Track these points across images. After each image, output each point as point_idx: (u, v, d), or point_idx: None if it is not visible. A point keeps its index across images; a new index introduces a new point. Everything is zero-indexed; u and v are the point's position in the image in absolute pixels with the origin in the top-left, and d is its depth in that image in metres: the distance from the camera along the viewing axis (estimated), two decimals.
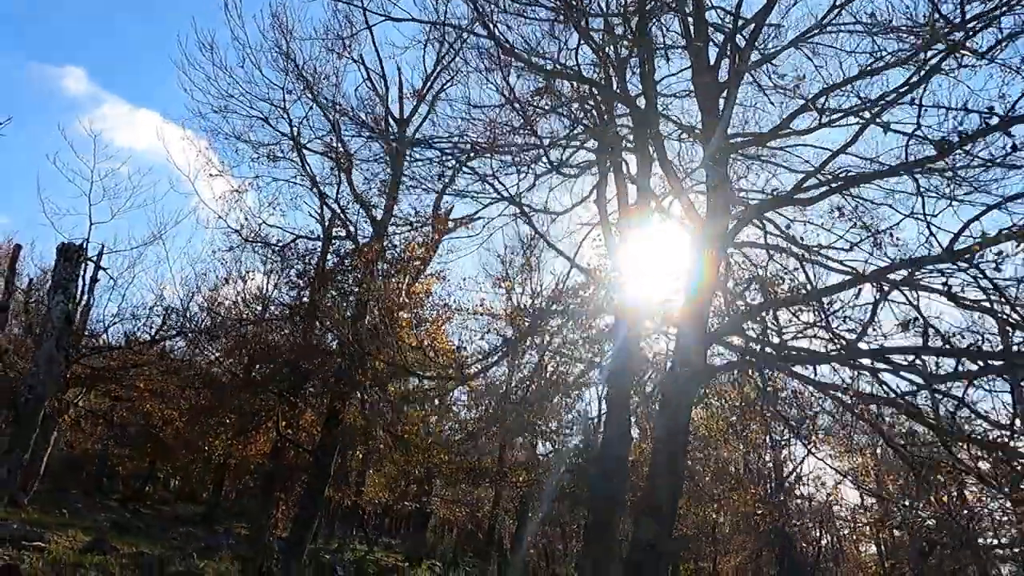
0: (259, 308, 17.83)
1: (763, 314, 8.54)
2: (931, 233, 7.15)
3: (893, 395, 8.02)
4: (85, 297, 13.19)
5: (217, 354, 16.45)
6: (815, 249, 8.85)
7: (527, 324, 9.20)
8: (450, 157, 11.00)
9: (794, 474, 29.64)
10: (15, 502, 18.19)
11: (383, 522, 39.00)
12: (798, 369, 8.78)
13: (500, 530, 28.83)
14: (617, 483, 9.34)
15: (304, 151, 15.75)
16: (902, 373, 7.16)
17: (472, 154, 9.98)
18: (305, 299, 16.26)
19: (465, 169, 11.09)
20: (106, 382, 15.69)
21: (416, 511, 29.62)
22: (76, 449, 38.91)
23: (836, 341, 8.21)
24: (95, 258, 12.69)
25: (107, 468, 38.81)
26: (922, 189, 7.50)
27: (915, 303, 7.52)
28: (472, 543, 31.07)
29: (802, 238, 9.02)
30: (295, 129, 15.65)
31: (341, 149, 14.95)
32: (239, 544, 19.04)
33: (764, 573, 31.44)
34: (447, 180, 11.52)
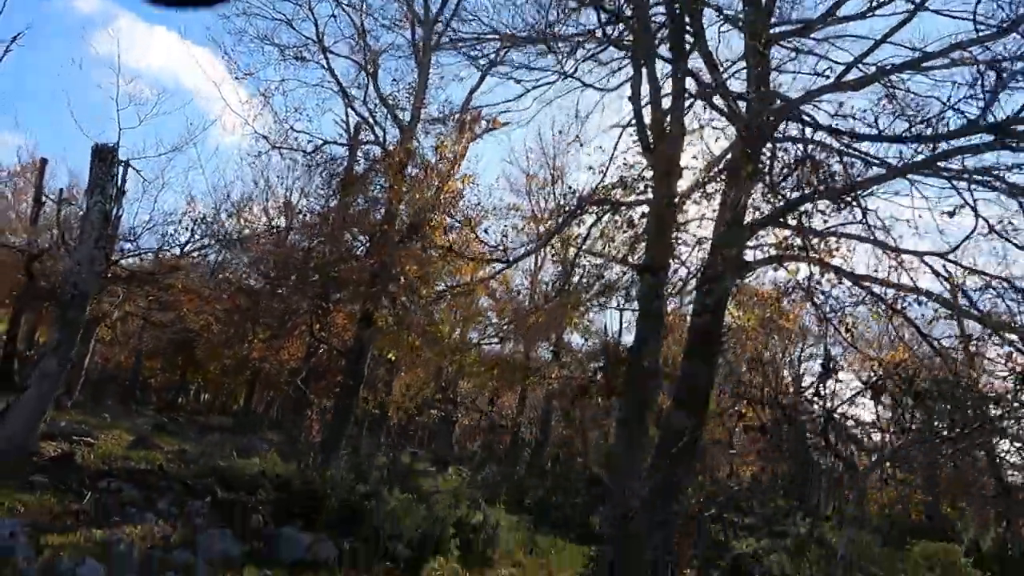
0: (287, 216, 17.96)
1: (802, 207, 8.46)
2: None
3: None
4: (118, 201, 13.27)
5: (247, 261, 16.62)
6: (856, 142, 8.69)
7: (560, 220, 9.17)
8: (480, 56, 10.79)
9: (812, 389, 29.91)
10: (61, 405, 18.92)
11: (408, 431, 40.06)
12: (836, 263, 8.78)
13: (523, 436, 29.58)
14: (650, 383, 9.51)
15: (329, 54, 15.51)
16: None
17: (505, 45, 9.74)
18: (333, 205, 16.28)
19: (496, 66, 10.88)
20: (144, 283, 15.98)
21: (441, 419, 30.47)
22: (110, 363, 40.03)
23: (873, 234, 8.17)
24: (126, 161, 12.73)
25: (140, 382, 39.97)
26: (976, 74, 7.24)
27: (961, 191, 7.41)
28: (496, 449, 31.94)
29: (844, 131, 8.83)
30: (320, 31, 15.39)
31: (367, 49, 14.68)
32: (274, 446, 19.75)
33: (780, 482, 32.14)
34: (485, 67, 11.40)
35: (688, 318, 10.49)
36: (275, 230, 17.66)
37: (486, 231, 11.09)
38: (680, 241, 9.34)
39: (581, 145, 11.75)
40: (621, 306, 11.29)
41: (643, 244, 9.65)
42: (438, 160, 12.60)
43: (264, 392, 39.71)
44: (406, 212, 13.20)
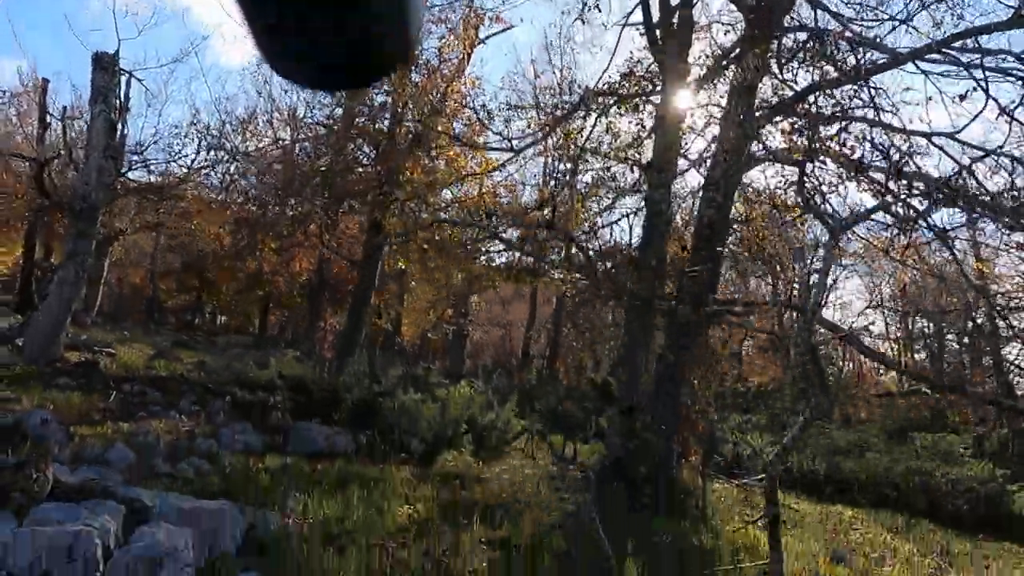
0: (292, 128, 17.77)
1: (810, 96, 8.33)
2: None
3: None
4: (122, 115, 13.16)
5: (254, 174, 16.58)
6: (865, 28, 8.47)
7: (566, 111, 9.05)
8: None
9: (821, 298, 30.00)
10: (80, 322, 19.33)
11: (420, 350, 40.73)
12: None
13: (533, 349, 30.06)
14: (656, 281, 9.59)
15: None
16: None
17: None
18: (338, 113, 16.12)
19: None
20: (154, 195, 16.03)
21: (454, 334, 30.92)
22: (124, 285, 40.57)
23: (880, 117, 8.04)
24: (129, 72, 12.55)
25: (156, 303, 40.56)
26: None
27: (973, 72, 7.26)
28: (506, 363, 32.52)
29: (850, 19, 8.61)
30: None
31: None
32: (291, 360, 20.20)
33: (788, 391, 32.65)
34: None
35: (693, 216, 10.48)
36: (280, 143, 17.53)
37: (492, 132, 10.95)
38: (686, 137, 9.25)
39: (584, 23, 11.39)
40: (628, 208, 11.23)
41: (649, 141, 9.58)
42: (441, 63, 12.38)
43: (278, 313, 40.27)
44: (411, 118, 13.05)
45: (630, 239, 15.44)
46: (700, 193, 9.42)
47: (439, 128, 11.90)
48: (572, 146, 9.39)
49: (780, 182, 8.64)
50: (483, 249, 13.76)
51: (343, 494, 6.30)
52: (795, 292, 11.15)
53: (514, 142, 8.82)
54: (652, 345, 9.97)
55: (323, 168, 15.23)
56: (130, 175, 15.36)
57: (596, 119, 9.25)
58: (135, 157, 14.68)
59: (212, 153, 15.66)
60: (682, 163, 10.25)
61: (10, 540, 3.54)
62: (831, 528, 8.27)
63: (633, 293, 9.71)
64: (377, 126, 14.10)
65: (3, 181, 19.61)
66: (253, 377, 11.81)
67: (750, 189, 9.77)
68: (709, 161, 9.23)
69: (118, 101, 12.00)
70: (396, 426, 9.74)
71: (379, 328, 23.79)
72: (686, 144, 9.75)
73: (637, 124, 9.28)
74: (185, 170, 15.61)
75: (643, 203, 10.60)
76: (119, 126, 12.04)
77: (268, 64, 0.64)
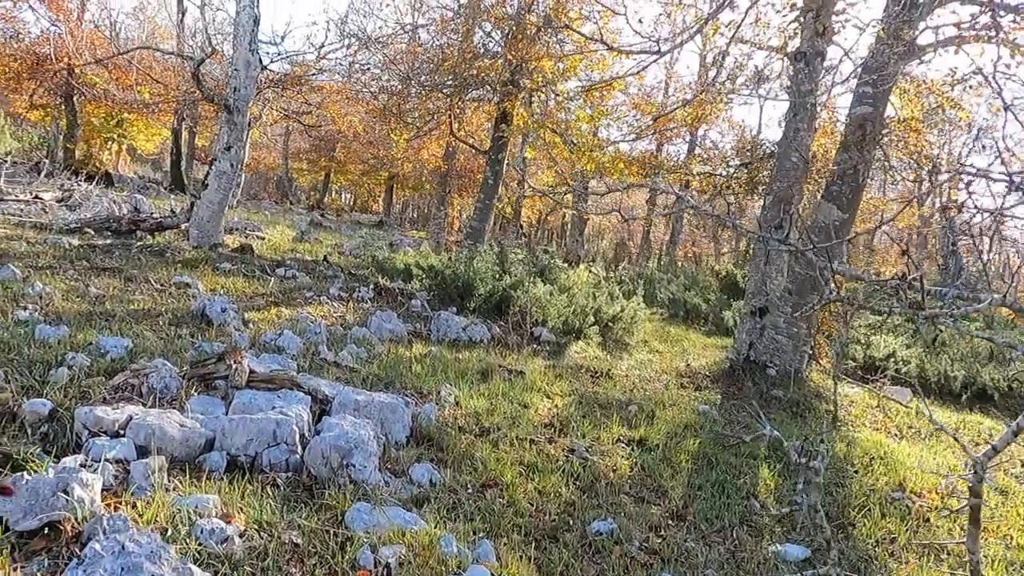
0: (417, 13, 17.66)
1: None
2: None
3: None
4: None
5: (381, 62, 16.75)
6: None
7: (716, 5, 8.50)
8: None
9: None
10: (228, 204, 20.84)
11: (537, 231, 41.18)
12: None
13: (653, 236, 29.78)
14: (796, 177, 9.22)
15: None
16: None
17: None
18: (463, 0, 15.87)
19: None
20: (293, 86, 16.66)
21: (573, 219, 31.04)
22: (261, 165, 42.77)
23: None
24: None
25: (289, 182, 42.67)
26: None
27: None
28: (625, 250, 32.49)
29: None
30: None
31: None
32: (416, 243, 21.09)
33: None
34: None
35: (841, 111, 9.84)
36: (406, 28, 17.50)
37: (629, 20, 10.47)
38: (841, 24, 8.56)
39: None
40: (767, 96, 10.65)
41: (799, 29, 8.94)
42: None
43: (401, 192, 41.54)
44: (541, 4, 12.68)
45: (756, 132, 14.73)
46: (853, 87, 8.81)
47: (571, 13, 11.51)
48: (713, 39, 8.90)
49: (948, 74, 7.93)
50: (609, 140, 13.58)
51: (487, 385, 6.78)
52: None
53: (662, 44, 8.43)
54: (787, 238, 9.73)
55: (449, 53, 15.21)
56: (271, 66, 15.91)
57: (746, 11, 8.67)
58: (273, 48, 15.13)
59: (343, 40, 15.87)
60: (835, 53, 9.53)
61: (227, 425, 4.12)
62: (968, 442, 8.13)
63: (771, 187, 9.42)
64: (505, 10, 13.80)
65: (154, 72, 20.75)
66: (391, 263, 12.49)
67: (913, 82, 9.02)
68: (868, 49, 8.55)
69: None
70: (527, 317, 10.17)
71: (500, 212, 24.18)
72: (840, 30, 9.02)
73: (789, 11, 8.64)
74: (321, 60, 15.99)
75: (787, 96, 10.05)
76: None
77: None
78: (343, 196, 58.01)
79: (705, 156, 11.59)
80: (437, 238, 17.76)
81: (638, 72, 10.36)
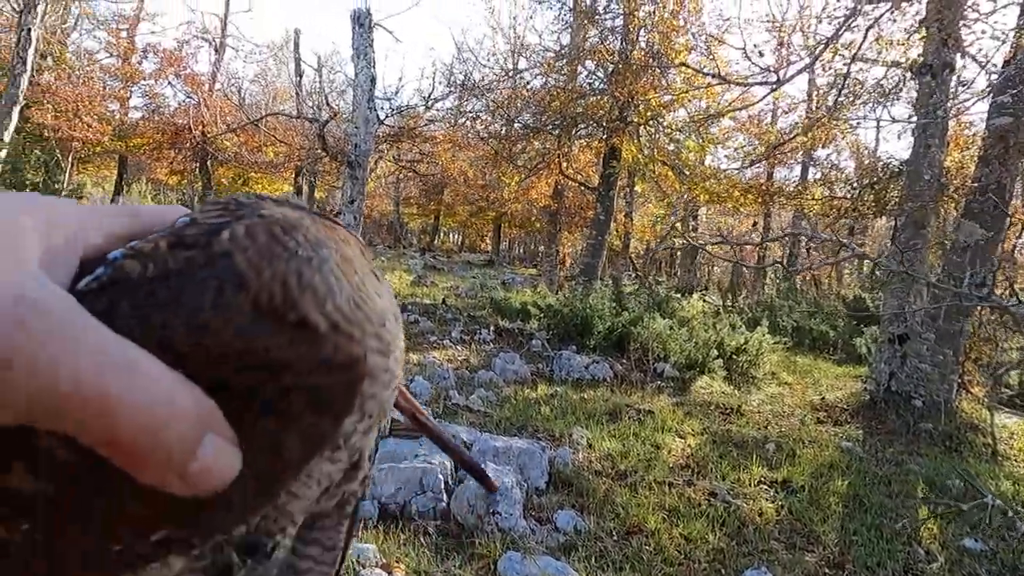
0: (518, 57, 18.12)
1: None
2: None
3: None
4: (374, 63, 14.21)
5: (489, 107, 17.26)
6: None
7: (839, 24, 8.20)
8: None
9: None
10: None
11: (649, 263, 40.64)
12: None
13: (769, 260, 28.75)
14: (929, 195, 8.74)
15: None
16: None
17: None
18: (565, 41, 16.18)
19: None
20: (408, 138, 17.45)
21: (685, 248, 30.49)
22: (373, 212, 44.69)
23: None
24: (377, 22, 13.48)
25: (401, 226, 44.28)
26: None
27: None
28: (740, 277, 31.50)
29: None
30: None
31: None
32: (527, 281, 21.33)
33: None
34: None
35: (977, 124, 9.27)
36: (510, 73, 17.96)
37: (748, 54, 10.29)
38: (974, 33, 8.11)
39: None
40: (894, 119, 10.19)
41: (924, 41, 8.54)
42: None
43: (509, 230, 42.22)
44: (645, 38, 12.72)
45: (874, 147, 14.02)
46: (988, 98, 8.29)
47: (676, 46, 11.47)
48: (839, 62, 8.60)
49: None
50: (719, 168, 13.33)
51: (617, 426, 6.73)
52: None
53: (780, 72, 8.26)
54: (923, 260, 9.19)
55: (555, 93, 15.49)
56: (387, 121, 16.71)
57: (867, 30, 8.38)
58: (387, 104, 15.94)
59: (451, 89, 16.49)
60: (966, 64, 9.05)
61: (376, 474, 4.28)
62: None
63: (902, 207, 8.95)
64: (609, 47, 13.92)
65: (278, 133, 22.21)
66: (508, 303, 12.68)
67: None
68: (1004, 59, 8.05)
69: (373, 53, 13.01)
70: (648, 352, 10.05)
71: (608, 245, 24.09)
72: (972, 40, 8.56)
73: (913, 23, 8.28)
74: (430, 110, 16.69)
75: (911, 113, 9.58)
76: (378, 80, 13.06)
77: None
78: (452, 236, 59.56)
79: (825, 178, 11.16)
80: (550, 276, 17.89)
81: (757, 102, 10.18)
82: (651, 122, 12.58)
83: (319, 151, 16.02)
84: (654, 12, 11.64)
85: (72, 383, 0.26)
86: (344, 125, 16.02)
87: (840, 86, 8.69)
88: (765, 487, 5.51)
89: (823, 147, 10.75)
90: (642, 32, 12.53)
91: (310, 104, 24.94)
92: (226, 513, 0.35)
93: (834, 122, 9.49)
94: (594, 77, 14.89)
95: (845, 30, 8.15)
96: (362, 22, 11.86)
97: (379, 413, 0.39)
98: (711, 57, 11.15)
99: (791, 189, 11.11)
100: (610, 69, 13.97)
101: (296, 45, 27.69)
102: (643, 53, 13.20)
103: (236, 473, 0.33)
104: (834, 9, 8.31)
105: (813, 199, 11.06)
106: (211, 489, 0.32)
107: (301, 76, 27.40)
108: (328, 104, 19.18)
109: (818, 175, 16.86)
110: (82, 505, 0.31)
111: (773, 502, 5.16)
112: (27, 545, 0.31)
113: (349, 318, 0.34)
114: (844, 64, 8.52)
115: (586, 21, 13.97)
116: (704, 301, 14.75)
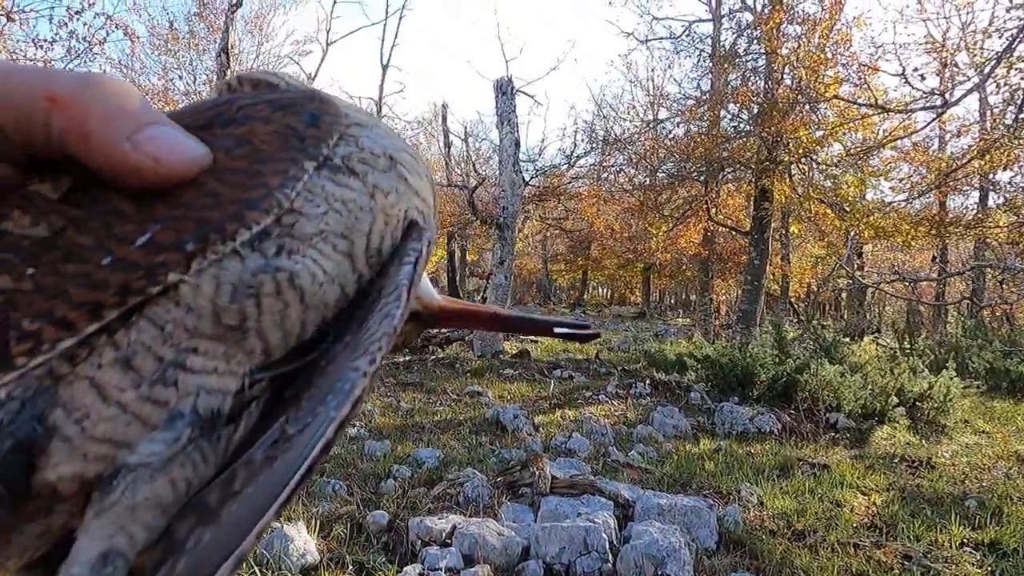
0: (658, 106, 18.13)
1: None
2: None
3: None
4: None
5: (632, 159, 17.31)
6: None
7: (1013, 37, 7.52)
8: None
9: None
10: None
11: (807, 304, 38.56)
12: None
13: (948, 296, 26.37)
14: None
15: None
16: None
17: None
18: (705, 87, 16.01)
19: None
20: (553, 197, 17.86)
21: (850, 289, 28.62)
22: (522, 271, 45.75)
23: None
24: (518, 89, 14.06)
25: (548, 284, 44.90)
26: None
27: None
28: (917, 316, 29.05)
29: None
30: None
31: None
32: (680, 331, 20.79)
33: None
34: None
35: None
36: (651, 124, 17.98)
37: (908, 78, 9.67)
38: None
39: None
40: None
41: None
42: (820, 10, 11.40)
43: (658, 281, 41.63)
44: (790, 75, 12.31)
45: None
46: None
47: (825, 80, 10.99)
48: (1015, 76, 7.86)
49: None
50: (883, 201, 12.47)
51: (789, 482, 6.30)
52: None
53: (946, 94, 7.70)
54: None
55: (699, 139, 15.29)
56: (532, 181, 17.21)
57: None
58: (531, 165, 16.41)
59: (593, 146, 16.74)
60: None
61: (540, 534, 4.25)
62: None
63: None
64: (752, 88, 13.61)
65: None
66: (663, 355, 12.39)
67: None
68: None
69: (516, 118, 13.53)
70: (818, 402, 9.41)
71: (766, 290, 23.07)
72: None
73: None
74: (573, 167, 17.01)
75: None
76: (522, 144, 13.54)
77: None
78: (600, 290, 59.54)
79: (1010, 203, 10.08)
80: (705, 325, 17.36)
81: (922, 128, 9.48)
82: (803, 159, 12.04)
83: (469, 216, 16.67)
84: (799, 48, 11.26)
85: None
86: (492, 189, 16.62)
87: (1019, 101, 7.92)
88: (969, 550, 4.92)
89: (1004, 169, 9.76)
90: (787, 69, 12.15)
91: (459, 172, 26.17)
92: (214, 204, 0.37)
93: (1015, 141, 8.60)
94: (738, 119, 14.57)
95: (1020, 42, 7.44)
96: (504, 90, 12.37)
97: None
98: (866, 87, 10.54)
99: (970, 218, 10.10)
100: (755, 110, 13.62)
101: (444, 118, 29.30)
102: (789, 90, 12.76)
103: (203, 156, 0.37)
104: (1004, 21, 7.64)
105: (998, 226, 10.01)
106: (177, 169, 0.36)
107: (449, 147, 28.88)
108: (476, 170, 20.03)
109: (1000, 200, 15.32)
110: (75, 236, 0.35)
111: (980, 567, 4.59)
112: (35, 289, 0.34)
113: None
114: (1022, 78, 7.78)
115: (727, 65, 13.76)
116: (877, 344, 13.68)
